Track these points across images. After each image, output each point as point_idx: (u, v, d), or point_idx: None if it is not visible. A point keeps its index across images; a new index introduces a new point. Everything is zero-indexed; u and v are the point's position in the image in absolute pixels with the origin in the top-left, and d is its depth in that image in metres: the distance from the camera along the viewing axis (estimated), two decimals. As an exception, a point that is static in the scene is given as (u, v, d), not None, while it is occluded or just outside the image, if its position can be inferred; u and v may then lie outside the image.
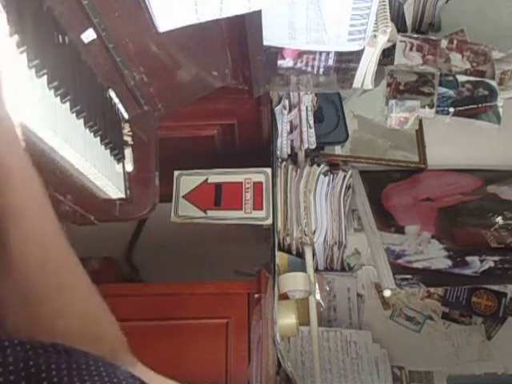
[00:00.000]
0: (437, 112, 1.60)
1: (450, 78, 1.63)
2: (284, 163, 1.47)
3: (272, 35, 0.95)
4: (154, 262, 1.64)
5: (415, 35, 1.69)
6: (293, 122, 1.41)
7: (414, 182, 1.61)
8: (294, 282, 1.27)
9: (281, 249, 1.41)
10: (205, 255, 1.56)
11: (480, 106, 1.60)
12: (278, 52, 1.02)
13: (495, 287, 1.53)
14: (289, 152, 1.49)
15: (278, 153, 1.46)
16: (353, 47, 0.98)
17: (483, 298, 1.53)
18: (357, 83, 1.11)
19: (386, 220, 1.49)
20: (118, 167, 0.92)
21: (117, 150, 0.90)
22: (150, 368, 0.56)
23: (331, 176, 1.47)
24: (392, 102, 1.59)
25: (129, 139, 0.97)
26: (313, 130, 1.42)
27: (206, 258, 1.55)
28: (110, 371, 0.41)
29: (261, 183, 1.36)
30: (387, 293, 1.29)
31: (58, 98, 0.70)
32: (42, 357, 0.40)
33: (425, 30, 1.75)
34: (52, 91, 0.68)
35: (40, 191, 0.50)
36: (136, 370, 0.52)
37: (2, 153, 0.46)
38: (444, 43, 1.67)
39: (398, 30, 1.65)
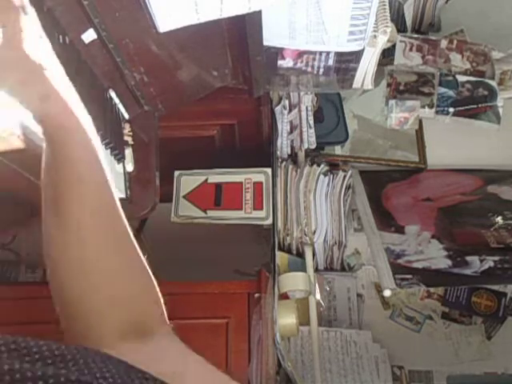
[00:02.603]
0: (437, 112, 1.60)
1: (450, 78, 1.63)
2: (284, 163, 1.47)
3: (272, 35, 0.95)
4: (154, 261, 1.64)
5: (415, 35, 1.69)
6: (293, 122, 1.41)
7: (413, 182, 1.62)
8: (293, 282, 1.27)
9: (281, 249, 1.41)
10: (205, 255, 1.56)
11: (480, 106, 1.60)
12: (277, 52, 1.02)
13: (495, 287, 1.53)
14: (289, 152, 1.49)
15: (278, 153, 1.46)
16: (353, 47, 0.98)
17: (483, 297, 1.53)
18: (357, 83, 1.11)
19: (386, 220, 1.49)
20: (119, 167, 0.93)
21: (117, 150, 0.90)
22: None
23: (331, 176, 1.47)
24: (392, 102, 1.59)
25: (129, 139, 0.97)
26: (313, 130, 1.42)
27: (206, 258, 1.55)
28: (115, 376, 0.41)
29: (261, 183, 1.36)
30: (387, 293, 1.29)
31: (59, 98, 0.70)
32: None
33: (425, 30, 1.75)
34: (52, 91, 0.68)
35: (95, 138, 0.52)
36: (164, 342, 0.53)
37: (61, 114, 0.48)
38: (444, 43, 1.67)
39: (398, 30, 1.65)
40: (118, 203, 0.53)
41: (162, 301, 0.56)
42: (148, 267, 0.55)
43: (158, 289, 0.56)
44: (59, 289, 0.51)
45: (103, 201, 0.52)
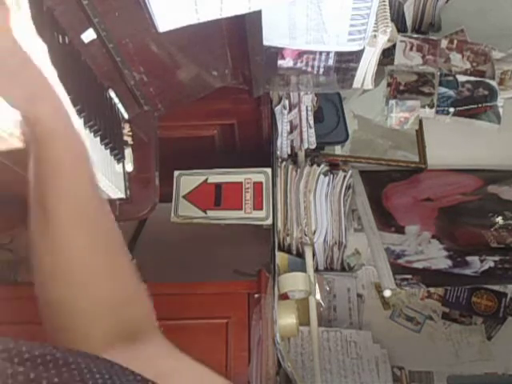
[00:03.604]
0: (437, 112, 1.60)
1: (450, 78, 1.63)
2: (284, 163, 1.47)
3: (272, 35, 0.95)
4: (154, 261, 1.64)
5: (415, 35, 1.69)
6: (293, 122, 1.41)
7: (414, 182, 1.61)
8: (293, 282, 1.27)
9: (281, 249, 1.41)
10: (205, 255, 1.55)
11: (480, 106, 1.60)
12: (277, 52, 1.02)
13: (495, 287, 1.53)
14: (289, 152, 1.49)
15: (278, 153, 1.46)
16: (353, 47, 0.98)
17: (483, 298, 1.53)
18: (357, 83, 1.10)
19: (386, 220, 1.49)
20: (118, 167, 0.92)
21: (117, 149, 0.90)
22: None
23: (331, 176, 1.47)
24: (392, 102, 1.59)
25: (129, 139, 0.97)
26: (313, 130, 1.42)
27: (205, 258, 1.55)
28: (106, 376, 0.41)
29: (261, 183, 1.36)
30: (387, 293, 1.29)
31: (58, 97, 0.70)
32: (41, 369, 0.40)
33: (425, 30, 1.75)
34: (52, 91, 0.68)
35: (83, 147, 0.51)
36: (155, 346, 0.52)
37: (48, 116, 0.47)
38: (444, 43, 1.67)
39: (398, 30, 1.65)
40: (107, 207, 0.53)
41: (151, 305, 0.56)
42: (136, 272, 0.55)
43: (146, 293, 0.56)
44: (45, 288, 0.51)
45: (90, 202, 0.51)
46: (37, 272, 0.51)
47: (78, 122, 0.52)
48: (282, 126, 1.40)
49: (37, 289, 0.51)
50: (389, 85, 1.62)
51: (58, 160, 0.49)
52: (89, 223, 0.51)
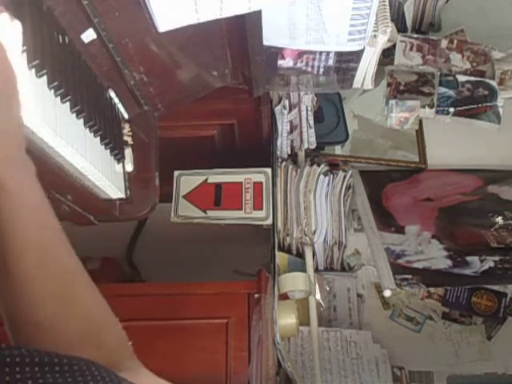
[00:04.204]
0: (437, 112, 1.60)
1: (450, 78, 1.63)
2: (284, 163, 1.47)
3: (272, 35, 0.95)
4: (154, 262, 1.65)
5: (415, 35, 1.69)
6: (293, 122, 1.41)
7: (414, 182, 1.61)
8: (293, 282, 1.27)
9: (281, 249, 1.41)
10: (205, 255, 1.56)
11: (480, 106, 1.60)
12: (277, 52, 1.02)
13: (495, 287, 1.53)
14: (289, 152, 1.49)
15: (278, 153, 1.46)
16: (353, 47, 0.98)
17: (483, 298, 1.53)
18: (357, 83, 1.11)
19: (386, 220, 1.49)
20: (118, 167, 0.92)
21: (117, 149, 0.90)
22: (150, 369, 0.56)
23: (331, 176, 1.47)
24: (392, 102, 1.59)
25: (129, 139, 0.97)
26: (313, 130, 1.42)
27: (206, 258, 1.55)
28: (104, 374, 0.41)
29: (261, 183, 1.36)
30: (387, 293, 1.29)
31: (58, 98, 0.70)
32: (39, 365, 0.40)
33: (425, 30, 1.75)
34: (52, 91, 0.68)
35: (39, 195, 0.50)
36: (139, 375, 0.52)
37: None
38: (444, 43, 1.67)
39: (398, 30, 1.65)
40: (67, 246, 0.51)
41: (125, 335, 0.55)
42: (105, 303, 0.54)
43: (119, 322, 0.55)
44: (13, 329, 0.50)
45: (49, 251, 0.49)
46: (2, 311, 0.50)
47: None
48: (282, 126, 1.40)
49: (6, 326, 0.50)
50: (389, 85, 1.62)
51: (12, 213, 0.46)
52: (52, 272, 0.49)
